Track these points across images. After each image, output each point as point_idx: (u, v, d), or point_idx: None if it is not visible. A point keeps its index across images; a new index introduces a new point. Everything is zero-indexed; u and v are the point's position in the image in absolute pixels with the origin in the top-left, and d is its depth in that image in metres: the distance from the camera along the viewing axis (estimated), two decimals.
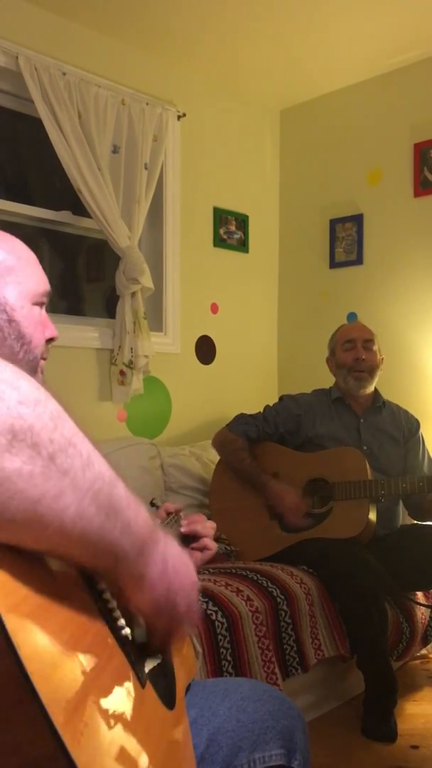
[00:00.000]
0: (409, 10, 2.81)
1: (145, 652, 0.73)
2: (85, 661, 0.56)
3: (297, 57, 3.20)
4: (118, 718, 0.58)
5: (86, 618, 0.61)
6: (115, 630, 0.65)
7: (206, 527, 1.17)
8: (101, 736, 0.55)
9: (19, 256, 0.94)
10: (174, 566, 0.70)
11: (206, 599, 2.07)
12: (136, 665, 0.66)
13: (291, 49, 3.12)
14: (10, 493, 0.50)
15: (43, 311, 0.99)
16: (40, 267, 1.00)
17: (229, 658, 2.02)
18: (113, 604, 0.67)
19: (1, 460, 0.50)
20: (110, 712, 0.57)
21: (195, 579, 0.75)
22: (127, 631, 0.67)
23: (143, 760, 0.60)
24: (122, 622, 0.67)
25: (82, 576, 0.66)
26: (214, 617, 2.03)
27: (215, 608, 2.05)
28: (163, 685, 0.75)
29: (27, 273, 0.93)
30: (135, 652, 0.67)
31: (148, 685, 0.69)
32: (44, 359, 1.00)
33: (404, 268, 3.27)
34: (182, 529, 1.15)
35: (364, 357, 2.64)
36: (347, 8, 2.78)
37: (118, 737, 0.57)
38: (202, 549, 1.15)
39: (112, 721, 0.57)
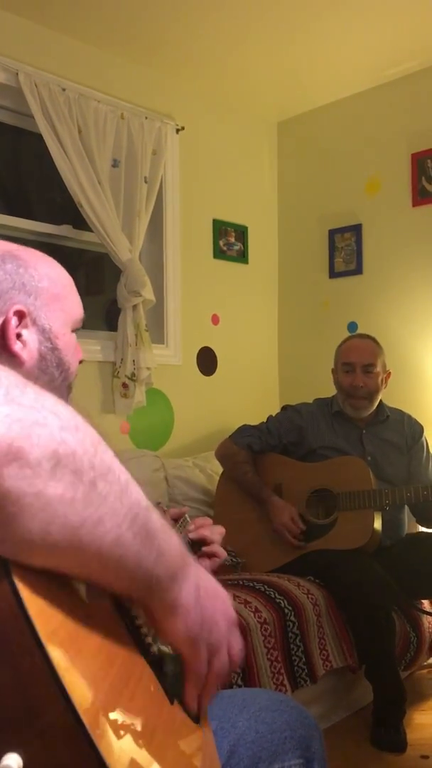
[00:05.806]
0: (405, 21, 2.83)
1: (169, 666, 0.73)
2: (117, 683, 0.57)
3: (293, 69, 3.22)
4: (150, 735, 0.59)
5: (116, 638, 0.61)
6: (144, 648, 0.66)
7: (214, 532, 1.15)
8: (141, 755, 0.55)
9: (64, 284, 0.94)
10: (207, 592, 0.69)
11: None
12: (164, 682, 0.66)
13: (287, 62, 3.15)
14: (53, 519, 0.51)
15: (75, 336, 1.00)
16: (77, 292, 1.00)
17: (238, 669, 2.02)
18: (141, 620, 0.67)
19: (45, 485, 0.50)
20: (142, 732, 0.57)
21: (230, 606, 0.74)
22: (155, 648, 0.68)
23: None
24: (150, 639, 0.68)
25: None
26: None
27: None
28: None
29: (70, 301, 0.94)
30: (161, 668, 0.67)
31: (176, 702, 0.69)
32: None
33: (404, 277, 3.29)
34: (190, 535, 1.12)
35: (361, 384, 2.60)
36: (343, 20, 2.81)
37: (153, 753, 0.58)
38: (211, 556, 1.13)
39: (144, 741, 0.57)
